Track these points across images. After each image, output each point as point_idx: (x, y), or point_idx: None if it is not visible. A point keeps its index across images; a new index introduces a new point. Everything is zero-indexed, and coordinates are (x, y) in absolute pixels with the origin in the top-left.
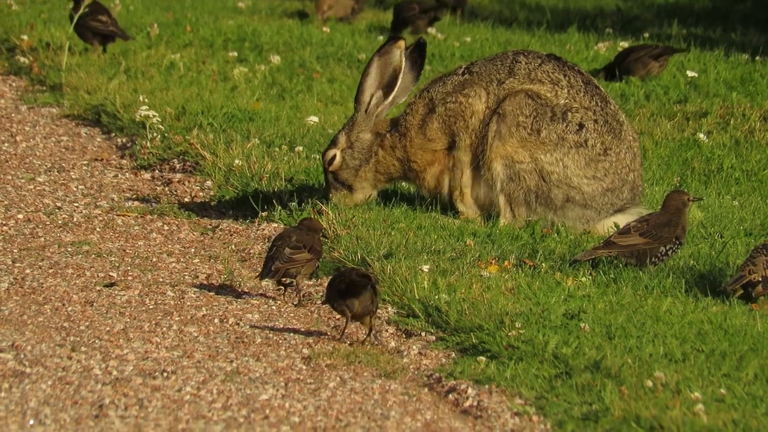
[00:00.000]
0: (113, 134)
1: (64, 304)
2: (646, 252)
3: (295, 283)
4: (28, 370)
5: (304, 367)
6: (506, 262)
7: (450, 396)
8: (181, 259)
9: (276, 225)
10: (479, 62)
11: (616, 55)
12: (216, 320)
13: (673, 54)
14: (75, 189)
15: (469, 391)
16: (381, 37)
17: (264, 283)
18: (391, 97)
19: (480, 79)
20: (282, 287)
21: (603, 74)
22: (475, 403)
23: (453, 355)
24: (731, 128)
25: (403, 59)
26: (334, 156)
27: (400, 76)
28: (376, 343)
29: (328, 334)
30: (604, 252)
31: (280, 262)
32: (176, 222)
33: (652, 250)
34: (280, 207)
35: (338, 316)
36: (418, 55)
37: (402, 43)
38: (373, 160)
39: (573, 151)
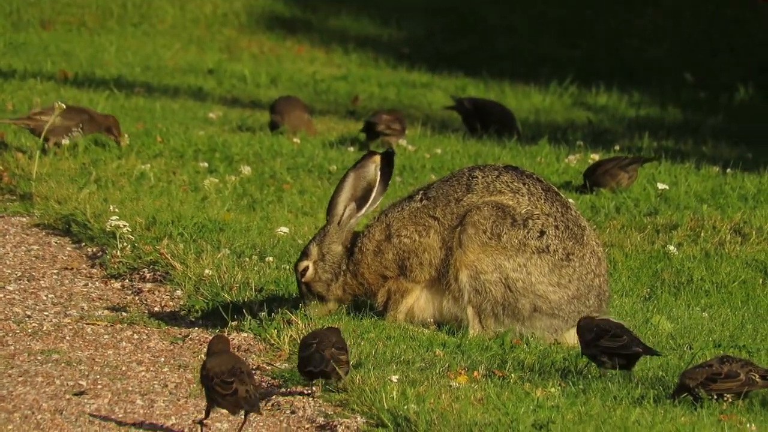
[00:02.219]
0: (83, 244)
1: (33, 412)
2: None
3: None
4: None
5: None
6: (475, 373)
7: None
8: (151, 368)
9: (246, 334)
10: (436, 185)
11: (586, 169)
12: (185, 430)
13: (642, 163)
14: (45, 298)
15: None
16: (351, 149)
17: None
18: (363, 210)
19: (436, 205)
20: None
21: (578, 191)
22: None
23: None
24: (701, 240)
25: (378, 174)
26: (307, 267)
27: (375, 189)
28: None
29: None
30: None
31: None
32: (146, 331)
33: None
34: (249, 317)
35: (307, 425)
36: (386, 164)
37: (377, 158)
38: (341, 279)
39: (535, 257)
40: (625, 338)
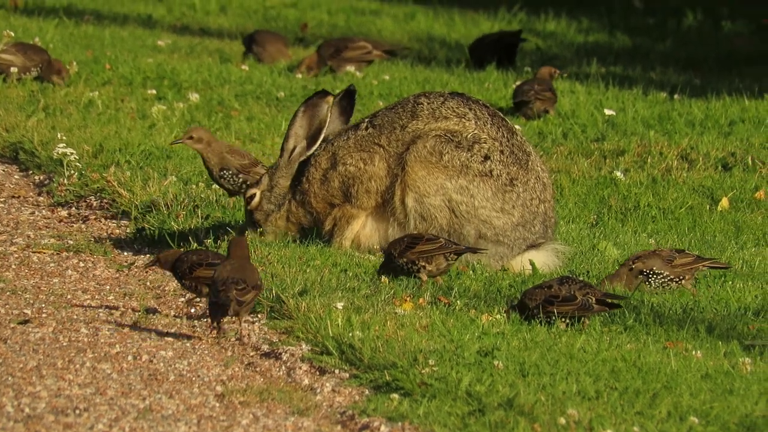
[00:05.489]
0: (31, 171)
1: None
2: None
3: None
4: None
5: (217, 405)
6: (421, 300)
7: None
8: (96, 296)
9: None
10: (381, 112)
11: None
12: (129, 357)
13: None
14: None
15: (382, 428)
16: (299, 76)
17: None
18: (313, 149)
19: (381, 133)
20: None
21: (527, 117)
22: None
23: (366, 392)
24: (648, 166)
25: (329, 114)
26: (253, 195)
27: (324, 129)
28: (289, 380)
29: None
30: None
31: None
32: (92, 259)
33: None
34: (196, 244)
35: (252, 353)
36: (347, 102)
37: (330, 99)
38: (284, 208)
39: (478, 180)
40: (441, 240)
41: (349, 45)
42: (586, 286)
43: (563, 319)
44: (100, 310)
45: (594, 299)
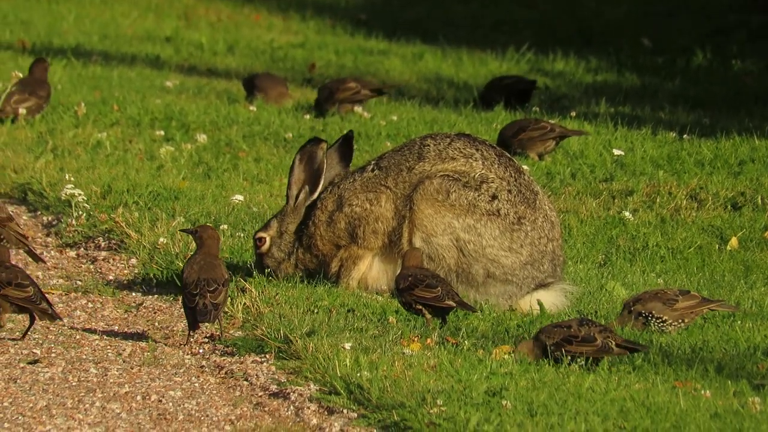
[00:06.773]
0: (39, 212)
1: None
2: None
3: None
4: None
5: None
6: (429, 340)
7: None
8: (105, 337)
9: None
10: (387, 154)
11: (505, 129)
12: (138, 397)
13: (571, 135)
14: None
15: None
16: (308, 117)
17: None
18: (316, 194)
19: (388, 174)
20: None
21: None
22: None
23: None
24: (657, 206)
25: (325, 160)
26: (263, 239)
27: (323, 175)
28: (298, 420)
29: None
30: None
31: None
32: (100, 300)
33: None
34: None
35: (260, 393)
36: (346, 147)
37: (324, 145)
38: (294, 257)
39: (485, 219)
40: (439, 290)
41: (339, 87)
42: (606, 330)
43: (579, 360)
44: (109, 350)
45: (614, 343)
